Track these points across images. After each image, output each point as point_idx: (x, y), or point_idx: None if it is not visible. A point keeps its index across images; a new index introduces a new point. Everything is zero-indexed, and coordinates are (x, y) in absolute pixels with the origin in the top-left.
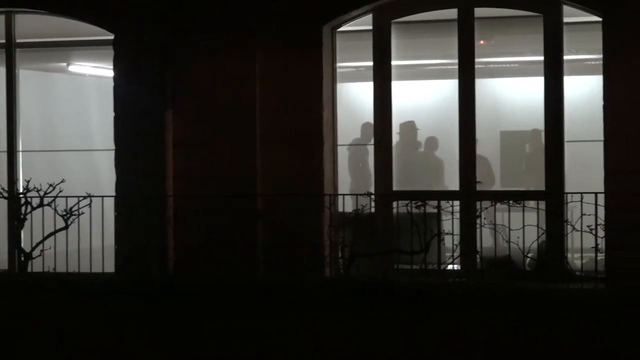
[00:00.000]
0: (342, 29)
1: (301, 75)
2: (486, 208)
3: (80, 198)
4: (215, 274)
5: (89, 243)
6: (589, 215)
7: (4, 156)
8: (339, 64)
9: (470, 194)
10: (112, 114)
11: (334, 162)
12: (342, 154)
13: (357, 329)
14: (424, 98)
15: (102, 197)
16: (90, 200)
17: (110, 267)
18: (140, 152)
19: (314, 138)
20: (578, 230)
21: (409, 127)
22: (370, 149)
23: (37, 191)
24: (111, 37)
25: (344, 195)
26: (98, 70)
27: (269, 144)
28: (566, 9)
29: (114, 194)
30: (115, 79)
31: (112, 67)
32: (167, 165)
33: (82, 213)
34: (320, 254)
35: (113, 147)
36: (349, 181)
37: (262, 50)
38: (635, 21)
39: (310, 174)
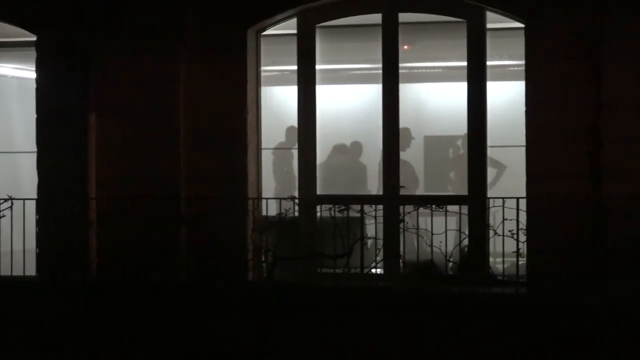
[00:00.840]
0: (266, 32)
1: (226, 78)
2: (409, 212)
3: (1, 200)
4: (137, 277)
5: (10, 246)
6: (511, 219)
7: None
8: (263, 68)
9: (393, 198)
10: (35, 116)
11: (257, 165)
12: (267, 158)
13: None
14: (348, 102)
15: (24, 199)
16: (12, 203)
17: (32, 271)
18: (62, 154)
19: (238, 141)
20: (500, 235)
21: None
22: (295, 152)
23: None
24: (33, 38)
25: (267, 199)
26: (20, 72)
27: (193, 146)
28: (489, 15)
29: (35, 196)
30: (37, 80)
31: (34, 68)
32: (89, 167)
33: (3, 216)
34: (243, 257)
35: (35, 149)
36: (274, 185)
37: (187, 52)
38: (557, 27)
39: (234, 177)
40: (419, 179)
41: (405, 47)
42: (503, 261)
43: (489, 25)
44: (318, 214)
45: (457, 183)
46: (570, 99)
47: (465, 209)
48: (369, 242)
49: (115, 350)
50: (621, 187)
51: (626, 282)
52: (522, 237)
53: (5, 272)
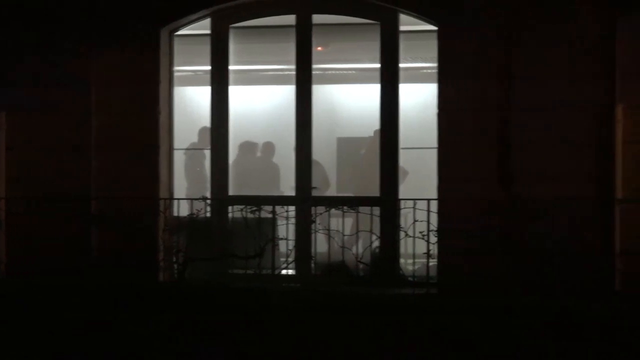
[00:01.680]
0: (180, 32)
1: (138, 78)
2: (321, 214)
3: None
4: (48, 278)
5: None
6: (422, 221)
7: None
8: (176, 68)
9: (305, 199)
10: None
11: (169, 166)
12: (180, 158)
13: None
14: (261, 103)
15: None
16: None
17: None
18: None
19: (150, 141)
20: (411, 236)
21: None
22: (208, 153)
23: None
24: None
25: (179, 199)
26: None
27: (105, 146)
28: (403, 17)
29: None
30: None
31: None
32: None
33: None
34: (154, 258)
35: None
36: (186, 185)
37: (98, 51)
38: (470, 31)
39: (146, 177)
40: (330, 180)
41: (319, 48)
42: (414, 262)
43: (402, 28)
44: (230, 215)
45: (369, 184)
46: (482, 102)
47: (376, 211)
48: (281, 243)
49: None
50: (531, 189)
51: (535, 281)
52: (433, 239)
53: None
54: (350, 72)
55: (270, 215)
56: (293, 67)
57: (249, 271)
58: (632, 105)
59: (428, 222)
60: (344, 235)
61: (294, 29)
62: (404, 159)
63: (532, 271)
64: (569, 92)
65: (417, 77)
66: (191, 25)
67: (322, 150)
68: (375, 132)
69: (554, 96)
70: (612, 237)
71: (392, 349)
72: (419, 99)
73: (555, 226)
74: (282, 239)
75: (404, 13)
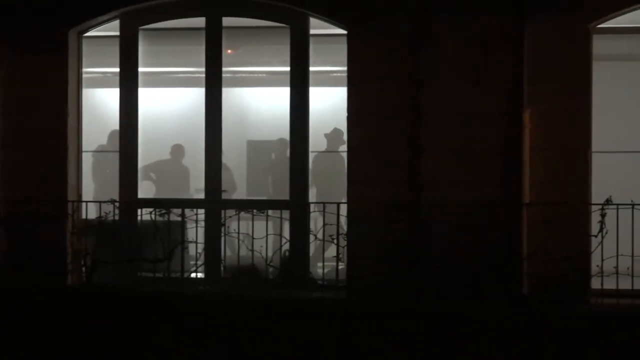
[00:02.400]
0: (89, 34)
1: (46, 79)
2: (230, 217)
3: None
4: None
5: None
6: (332, 224)
7: None
8: (85, 69)
9: (215, 202)
10: None
11: (78, 168)
12: (88, 161)
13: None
14: (171, 105)
15: None
16: None
17: None
18: None
19: (58, 143)
20: (320, 240)
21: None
22: (117, 155)
23: None
24: None
25: (87, 202)
26: None
27: (12, 148)
28: (313, 21)
29: None
30: None
31: None
32: None
33: None
34: (62, 261)
35: None
36: (95, 188)
37: (5, 52)
38: (379, 35)
39: (54, 179)
40: (241, 184)
41: (229, 51)
42: (323, 266)
43: (312, 31)
44: (139, 218)
45: (279, 188)
46: (392, 106)
47: (286, 214)
48: (190, 246)
49: None
50: (440, 193)
51: (444, 284)
52: (343, 242)
53: None
54: (260, 75)
55: (179, 218)
56: (203, 69)
57: (158, 274)
58: (539, 111)
59: (338, 225)
60: (253, 239)
61: (203, 32)
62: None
63: (441, 275)
64: (479, 97)
65: (328, 80)
66: (100, 27)
67: (232, 153)
68: (285, 135)
69: (463, 101)
70: (520, 241)
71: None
72: (329, 102)
73: (464, 230)
74: (191, 242)
75: (314, 17)
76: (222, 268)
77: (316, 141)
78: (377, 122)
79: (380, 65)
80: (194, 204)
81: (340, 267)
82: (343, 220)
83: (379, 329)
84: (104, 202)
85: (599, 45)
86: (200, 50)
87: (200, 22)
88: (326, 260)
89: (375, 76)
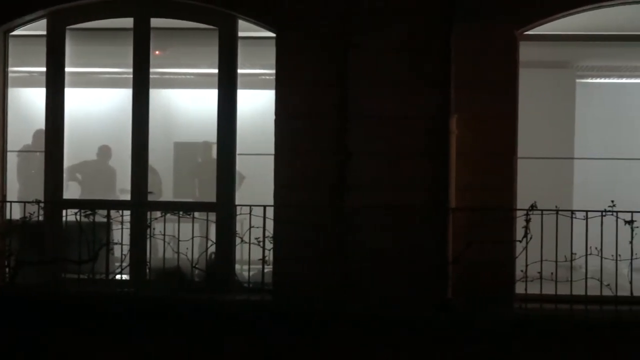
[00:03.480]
0: (15, 32)
1: None
2: (156, 219)
3: None
4: None
5: None
6: (258, 227)
7: None
8: (11, 69)
9: (141, 204)
10: None
11: (2, 168)
12: (13, 160)
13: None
14: (99, 106)
15: None
16: None
17: None
18: None
19: None
20: (246, 242)
21: None
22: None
23: None
24: None
25: (11, 202)
26: None
27: None
28: (242, 23)
29: None
30: None
31: None
32: None
33: None
34: None
35: None
36: (20, 188)
37: None
38: (307, 38)
39: None
40: (167, 186)
41: (157, 52)
42: (249, 268)
43: (241, 34)
44: (64, 219)
45: (205, 190)
46: (319, 109)
47: (213, 216)
48: (115, 248)
49: None
50: (366, 198)
51: (370, 289)
52: (269, 245)
53: None
54: (188, 77)
55: (105, 220)
56: (131, 70)
57: (82, 276)
58: (465, 116)
59: (264, 228)
60: (179, 241)
61: (131, 32)
62: (246, 165)
63: (367, 279)
64: (406, 101)
65: (256, 83)
66: (27, 26)
67: (159, 154)
68: (212, 137)
69: (391, 105)
70: (446, 246)
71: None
72: (257, 105)
73: (391, 235)
74: (116, 243)
75: (242, 19)
76: (147, 270)
77: (243, 143)
78: (304, 126)
79: (308, 69)
80: (120, 205)
81: (267, 270)
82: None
83: (304, 332)
84: (29, 202)
85: (525, 51)
86: (128, 51)
87: (128, 22)
88: (253, 263)
89: (303, 79)
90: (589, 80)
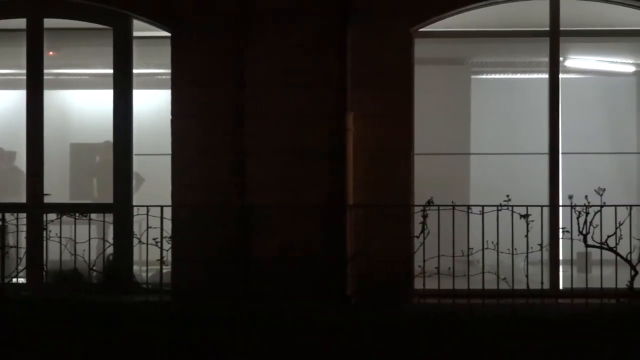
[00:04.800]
0: None
1: None
2: (52, 221)
3: None
4: None
5: None
6: (156, 228)
7: None
8: None
9: (36, 206)
10: None
11: None
12: None
13: None
14: None
15: None
16: None
17: None
18: None
19: None
20: (144, 243)
21: None
22: None
23: None
24: None
25: None
26: None
27: None
28: (137, 23)
29: None
30: None
31: None
32: None
33: None
34: None
35: None
36: None
37: None
38: (203, 37)
39: None
40: (64, 187)
41: (51, 53)
42: (147, 269)
43: (136, 34)
44: None
45: (102, 191)
46: (216, 109)
47: (110, 217)
48: (11, 250)
49: None
50: (265, 197)
51: (269, 287)
52: (168, 246)
53: None
54: (84, 77)
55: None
56: (24, 71)
57: None
58: (362, 114)
59: (161, 229)
60: (76, 243)
61: (24, 33)
62: (143, 165)
63: (267, 278)
64: (304, 100)
65: (152, 83)
66: None
67: (54, 156)
68: (109, 138)
69: (288, 104)
70: (344, 243)
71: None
72: (153, 105)
73: (290, 233)
74: (12, 246)
75: (137, 19)
76: (44, 273)
77: (140, 144)
78: (201, 125)
79: (204, 68)
80: (15, 207)
81: (167, 271)
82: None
83: (203, 332)
84: None
85: (421, 48)
86: (21, 52)
87: (21, 23)
88: (152, 264)
89: (199, 79)
90: (484, 77)
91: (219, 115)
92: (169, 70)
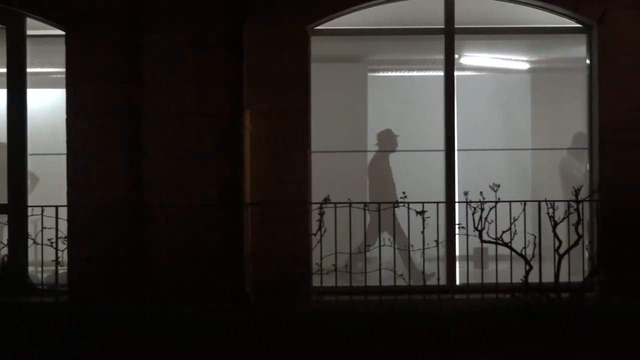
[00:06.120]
0: None
1: None
2: None
3: None
4: None
5: None
6: (52, 228)
7: None
8: None
9: None
10: None
11: None
12: None
13: None
14: None
15: None
16: None
17: None
18: None
19: None
20: (39, 244)
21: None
22: None
23: None
24: None
25: None
26: None
27: None
28: (31, 21)
29: None
30: None
31: None
32: None
33: None
34: None
35: None
36: None
37: None
38: (97, 36)
39: None
40: None
41: None
42: (42, 270)
43: (30, 32)
44: None
45: None
46: (111, 108)
47: (4, 218)
48: None
49: None
50: (162, 196)
51: (168, 287)
52: (64, 246)
53: None
54: None
55: None
56: None
57: None
58: (259, 112)
59: (57, 229)
60: None
61: None
62: (38, 165)
63: (164, 278)
64: (200, 98)
65: (48, 82)
66: None
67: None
68: (2, 138)
69: (185, 102)
70: (242, 242)
71: None
72: (49, 104)
73: (188, 232)
74: None
75: (31, 17)
76: None
77: (35, 143)
78: (96, 124)
79: (99, 67)
80: None
81: (64, 272)
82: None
83: (99, 333)
84: None
85: (318, 46)
86: None
87: None
88: (48, 264)
89: (94, 77)
90: (381, 74)
91: (114, 113)
92: (64, 69)
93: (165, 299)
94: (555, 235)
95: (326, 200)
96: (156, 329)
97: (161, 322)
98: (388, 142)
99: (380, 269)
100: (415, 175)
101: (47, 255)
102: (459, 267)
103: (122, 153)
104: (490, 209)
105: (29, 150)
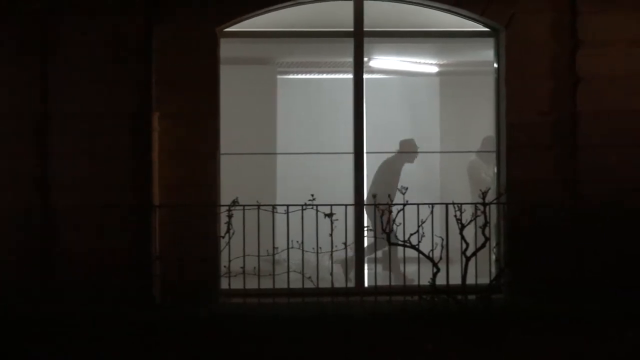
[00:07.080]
0: None
1: None
2: None
3: None
4: None
5: None
6: None
7: None
8: None
9: None
10: None
11: None
12: None
13: None
14: None
15: None
16: None
17: None
18: None
19: None
20: None
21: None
22: None
23: None
24: None
25: None
26: None
27: None
28: None
29: None
30: None
31: None
32: None
33: None
34: None
35: None
36: None
37: None
38: (5, 37)
39: None
40: None
41: None
42: None
43: None
44: None
45: None
46: (16, 109)
47: None
48: None
49: None
50: (69, 198)
51: (75, 289)
52: None
53: None
54: None
55: None
56: None
57: None
58: (168, 114)
59: None
60: None
61: None
62: None
63: (71, 280)
64: (109, 100)
65: None
66: None
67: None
68: None
69: (94, 104)
70: (150, 244)
71: None
72: None
73: (96, 235)
74: None
75: None
76: None
77: None
78: (6, 125)
79: (4, 69)
80: None
81: None
82: None
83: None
84: None
85: (227, 48)
86: None
87: None
88: None
89: (0, 80)
90: (291, 77)
91: (20, 115)
92: None
93: (72, 301)
94: (463, 238)
95: (235, 203)
96: (62, 331)
97: (67, 324)
98: (408, 149)
99: (288, 271)
100: (325, 178)
101: None
102: (368, 269)
103: (28, 154)
104: (399, 211)
105: None
